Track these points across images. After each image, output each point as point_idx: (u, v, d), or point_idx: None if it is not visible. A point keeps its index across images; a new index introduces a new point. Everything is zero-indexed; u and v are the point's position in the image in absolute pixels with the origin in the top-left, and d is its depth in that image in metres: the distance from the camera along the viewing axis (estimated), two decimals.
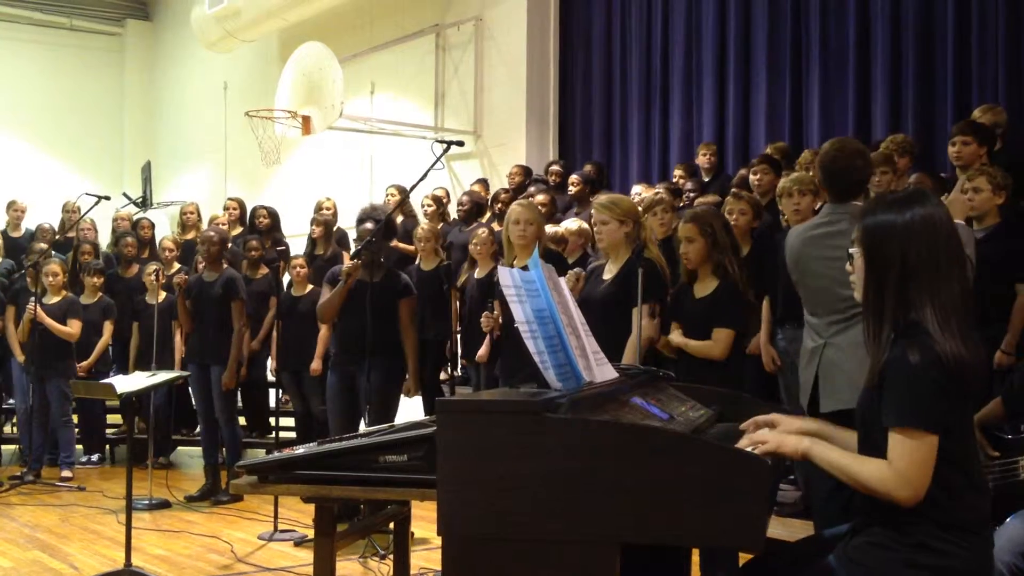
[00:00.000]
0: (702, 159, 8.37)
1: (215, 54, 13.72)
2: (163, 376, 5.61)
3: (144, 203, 14.44)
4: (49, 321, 7.85)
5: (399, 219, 8.91)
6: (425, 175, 5.38)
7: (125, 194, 13.51)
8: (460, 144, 5.52)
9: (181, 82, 15.64)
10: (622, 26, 9.93)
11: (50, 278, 8.07)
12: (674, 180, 8.33)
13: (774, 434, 2.44)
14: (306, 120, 9.94)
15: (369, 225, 5.86)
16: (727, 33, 8.98)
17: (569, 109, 10.41)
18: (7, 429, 9.57)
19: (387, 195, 9.14)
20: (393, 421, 5.73)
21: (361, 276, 5.70)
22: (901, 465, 2.21)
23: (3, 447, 9.10)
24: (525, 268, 2.65)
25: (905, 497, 2.21)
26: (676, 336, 4.63)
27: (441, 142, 5.38)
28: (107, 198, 7.67)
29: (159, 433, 8.68)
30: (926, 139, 7.30)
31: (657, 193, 7.14)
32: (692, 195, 7.57)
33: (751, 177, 6.83)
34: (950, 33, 7.36)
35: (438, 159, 5.31)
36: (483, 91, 10.65)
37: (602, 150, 10.02)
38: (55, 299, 8.07)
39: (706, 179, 8.22)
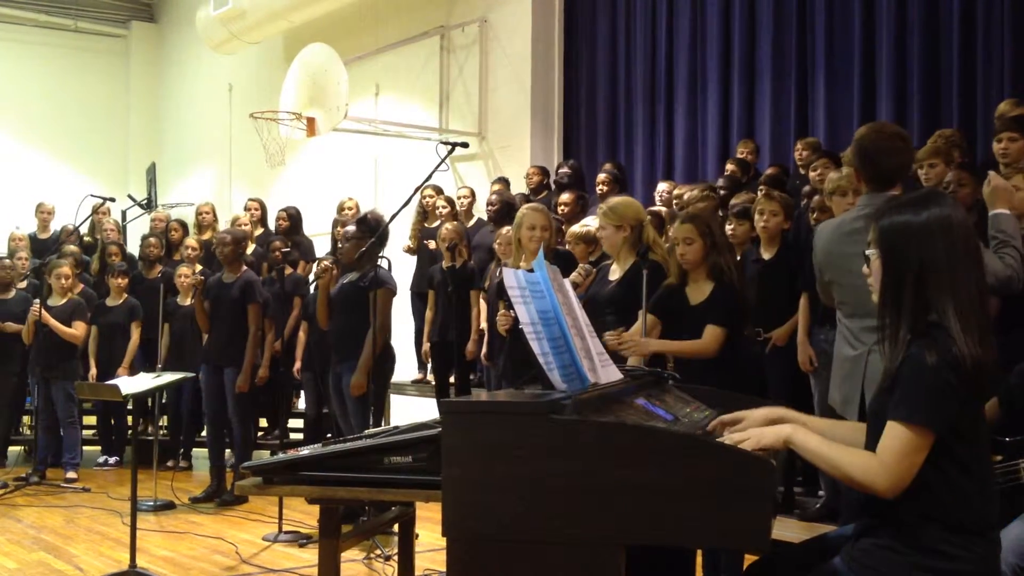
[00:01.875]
0: (742, 156, 8.17)
1: (220, 56, 13.73)
2: (168, 377, 5.62)
3: (149, 205, 14.46)
4: (53, 322, 7.85)
5: (437, 220, 8.86)
6: (430, 177, 5.39)
7: (130, 196, 13.53)
8: (465, 146, 5.53)
9: (186, 84, 15.67)
10: (627, 27, 9.92)
11: (62, 280, 8.07)
12: (727, 173, 8.10)
13: (752, 431, 2.40)
14: (311, 122, 9.94)
15: (350, 228, 5.96)
16: (732, 34, 8.97)
17: (574, 110, 10.40)
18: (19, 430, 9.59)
19: (425, 196, 9.07)
20: (369, 418, 5.83)
21: (349, 278, 5.86)
22: (888, 457, 2.20)
23: (9, 448, 9.12)
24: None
25: (885, 488, 2.20)
26: (654, 343, 4.36)
27: (446, 144, 5.40)
28: (112, 199, 7.70)
29: (186, 436, 8.72)
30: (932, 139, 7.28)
31: (704, 190, 7.06)
32: (724, 193, 7.25)
33: (811, 174, 6.65)
34: (955, 34, 7.34)
35: (443, 160, 5.32)
36: (488, 92, 10.65)
37: (607, 151, 10.00)
38: (61, 301, 8.07)
39: (743, 178, 7.92)
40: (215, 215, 10.09)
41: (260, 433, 8.83)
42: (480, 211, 9.18)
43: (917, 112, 7.55)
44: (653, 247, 4.66)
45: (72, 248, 9.01)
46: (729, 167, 8.07)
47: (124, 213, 13.56)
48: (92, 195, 7.98)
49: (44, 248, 9.96)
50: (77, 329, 8.01)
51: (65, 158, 15.28)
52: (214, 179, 14.63)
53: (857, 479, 2.22)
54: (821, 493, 5.69)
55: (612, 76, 10.06)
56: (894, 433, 2.21)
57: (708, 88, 9.12)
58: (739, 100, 8.85)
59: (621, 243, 4.70)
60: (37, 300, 7.93)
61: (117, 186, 14.00)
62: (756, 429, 2.42)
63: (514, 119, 10.34)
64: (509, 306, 5.34)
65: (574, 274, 4.97)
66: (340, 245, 6.07)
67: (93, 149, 15.51)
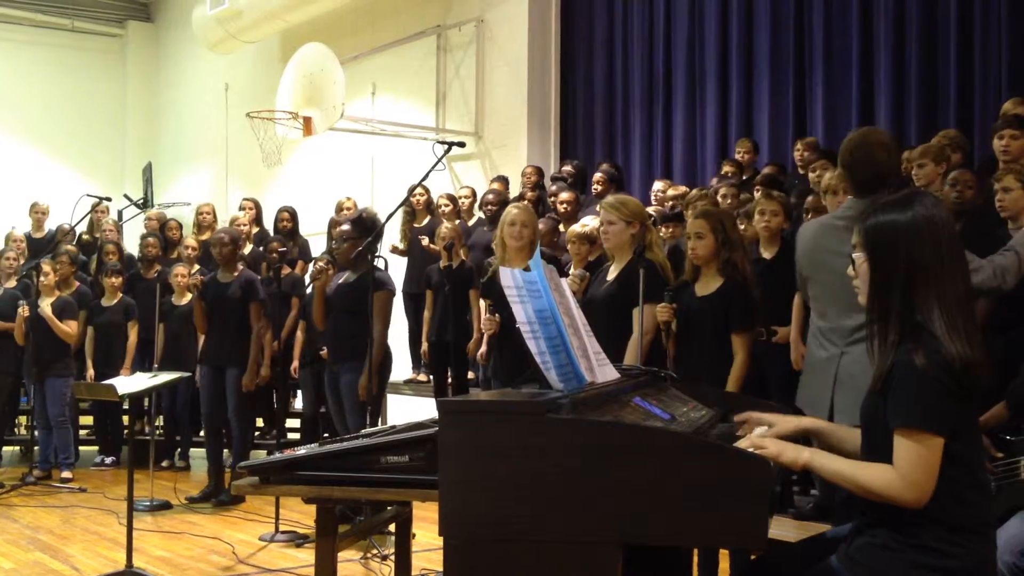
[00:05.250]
0: (738, 156, 8.16)
1: (216, 55, 13.73)
2: (164, 377, 5.60)
3: (145, 204, 14.42)
4: (50, 316, 7.82)
5: (427, 219, 8.85)
6: (426, 176, 5.39)
7: (126, 195, 13.50)
8: (461, 145, 5.52)
9: (182, 83, 15.66)
10: (624, 27, 9.93)
11: (41, 278, 8.02)
12: (723, 174, 8.08)
13: (774, 442, 2.41)
14: (307, 121, 9.94)
15: (345, 227, 5.96)
16: (729, 33, 8.97)
17: (571, 110, 10.40)
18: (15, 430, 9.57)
19: (415, 196, 9.03)
20: (366, 418, 5.82)
21: (346, 277, 5.87)
22: (907, 469, 2.20)
23: (4, 448, 9.10)
24: (526, 269, 2.64)
25: (911, 500, 2.21)
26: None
27: (442, 143, 5.39)
28: (108, 199, 7.69)
29: (180, 435, 8.70)
30: (930, 139, 7.28)
31: (703, 190, 7.04)
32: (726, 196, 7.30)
33: (811, 174, 6.68)
34: (952, 35, 7.36)
35: (439, 160, 5.32)
36: (484, 92, 10.65)
37: (604, 151, 10.00)
38: (49, 299, 8.01)
39: (744, 176, 7.92)
40: (215, 215, 10.06)
41: (257, 432, 8.83)
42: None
43: (914, 112, 7.56)
44: (653, 247, 4.65)
45: (69, 248, 8.97)
46: (726, 168, 8.07)
47: (120, 213, 13.54)
48: (89, 194, 7.97)
49: (40, 248, 9.93)
50: (69, 327, 7.96)
51: (61, 157, 15.27)
52: (210, 179, 14.62)
53: (883, 495, 2.23)
54: (814, 492, 5.70)
55: (609, 75, 10.06)
56: (903, 444, 2.21)
57: (706, 88, 9.12)
58: (737, 100, 8.86)
59: (628, 240, 4.66)
60: (22, 301, 7.90)
61: (113, 185, 13.99)
62: (777, 442, 2.42)
63: (511, 119, 10.34)
64: (493, 309, 5.32)
65: (569, 280, 4.93)
66: (336, 245, 6.06)
67: (89, 148, 15.50)
